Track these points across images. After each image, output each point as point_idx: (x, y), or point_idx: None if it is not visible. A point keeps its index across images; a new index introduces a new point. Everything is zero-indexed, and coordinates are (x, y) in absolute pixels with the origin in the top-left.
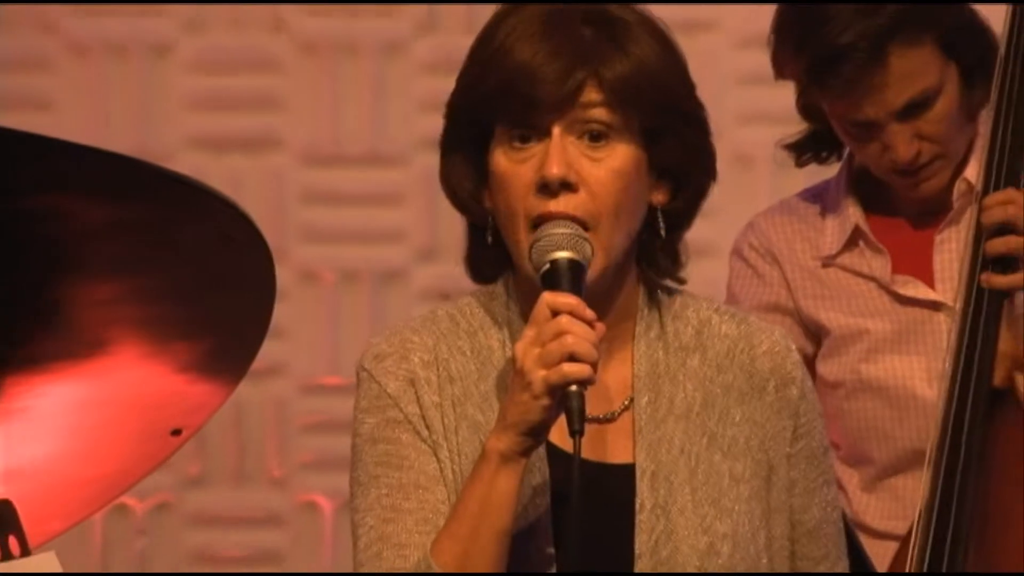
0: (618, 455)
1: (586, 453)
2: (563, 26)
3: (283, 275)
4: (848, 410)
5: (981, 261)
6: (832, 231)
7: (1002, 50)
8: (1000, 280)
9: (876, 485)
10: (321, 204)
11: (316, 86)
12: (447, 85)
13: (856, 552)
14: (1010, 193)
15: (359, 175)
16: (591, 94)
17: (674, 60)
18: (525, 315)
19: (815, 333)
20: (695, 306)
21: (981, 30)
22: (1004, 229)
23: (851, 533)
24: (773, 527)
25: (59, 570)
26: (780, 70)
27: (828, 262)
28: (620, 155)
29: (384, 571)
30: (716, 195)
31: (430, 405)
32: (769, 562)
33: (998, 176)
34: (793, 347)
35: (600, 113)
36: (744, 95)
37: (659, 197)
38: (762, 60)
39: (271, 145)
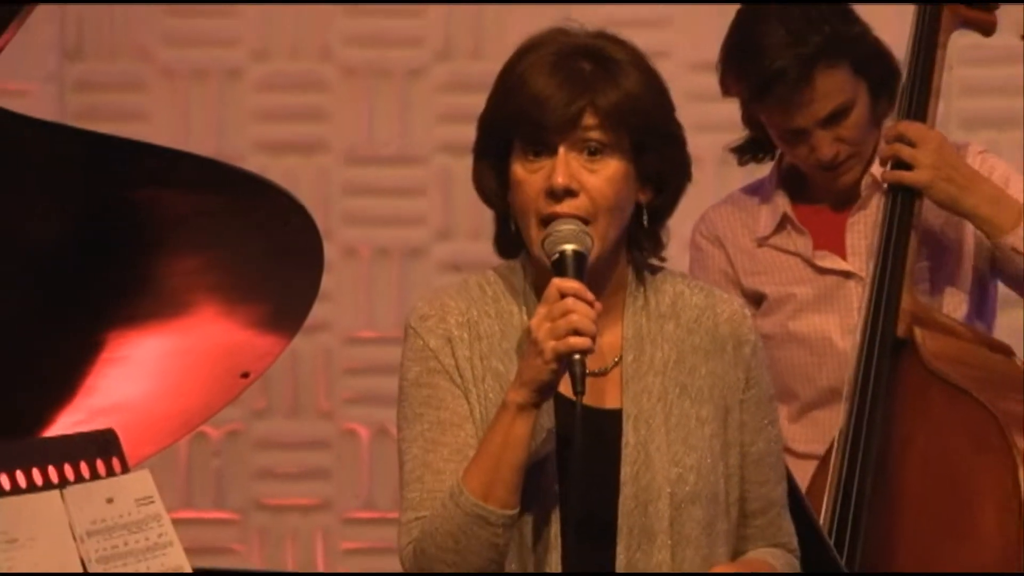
0: (609, 402)
1: (584, 400)
2: (567, 62)
3: (329, 251)
4: (778, 357)
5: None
6: (765, 218)
7: (904, 75)
8: (889, 175)
9: (800, 417)
10: (359, 195)
11: (355, 102)
12: (459, 101)
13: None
14: (907, 123)
15: (389, 172)
16: (589, 119)
17: (657, 89)
18: (537, 286)
19: (753, 298)
20: (672, 281)
21: (886, 55)
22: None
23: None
24: (729, 458)
25: (152, 485)
26: (726, 90)
27: (762, 242)
28: (613, 167)
29: (425, 490)
30: None
31: (462, 358)
32: (725, 486)
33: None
34: (749, 315)
35: (596, 134)
36: (695, 109)
37: (644, 196)
38: (710, 81)
39: (320, 149)
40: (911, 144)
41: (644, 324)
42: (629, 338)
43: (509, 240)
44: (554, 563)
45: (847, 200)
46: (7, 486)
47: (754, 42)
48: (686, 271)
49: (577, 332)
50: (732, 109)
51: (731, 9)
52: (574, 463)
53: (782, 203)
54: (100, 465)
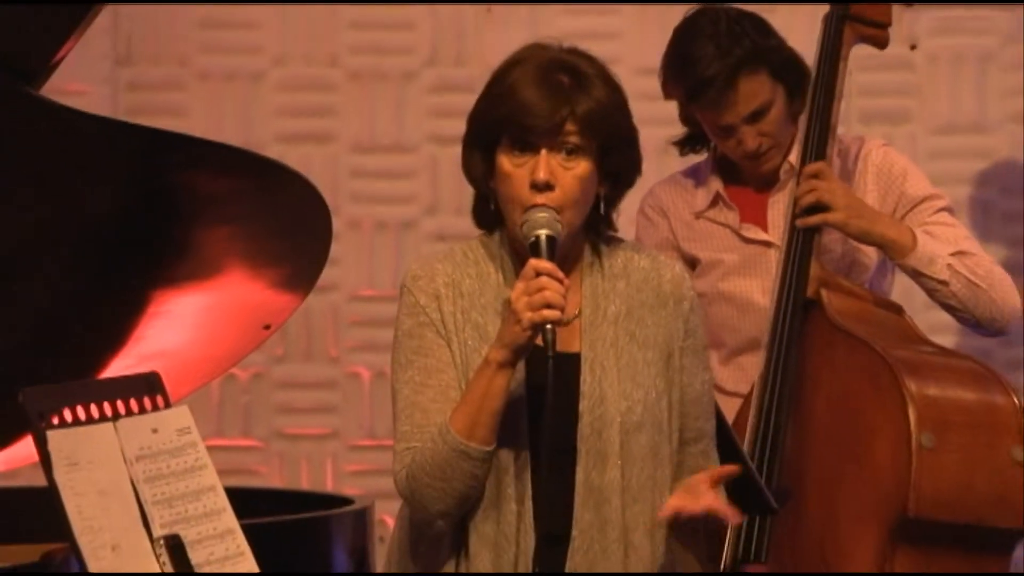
0: (570, 347)
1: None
2: (549, 76)
3: (337, 224)
4: (710, 312)
5: (797, 211)
6: (702, 195)
7: (813, 76)
8: (809, 220)
9: (728, 362)
10: (361, 178)
11: (359, 101)
12: (445, 100)
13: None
14: (816, 165)
15: (387, 159)
16: (568, 126)
17: (620, 98)
18: (512, 254)
19: (689, 261)
20: (622, 248)
21: (798, 63)
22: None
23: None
24: (671, 395)
25: (190, 418)
26: (667, 93)
27: (699, 215)
28: (583, 166)
29: (414, 425)
30: None
31: (447, 312)
32: (668, 417)
33: (808, 158)
34: (688, 276)
35: (574, 138)
36: (639, 107)
37: (603, 189)
38: (653, 84)
39: (329, 140)
40: (824, 189)
41: (599, 284)
42: (587, 296)
43: (487, 214)
44: (526, 481)
45: (768, 183)
46: (70, 419)
47: (688, 55)
48: (633, 238)
49: (549, 305)
50: (671, 108)
51: (671, 24)
52: (547, 404)
53: (716, 184)
54: (147, 402)
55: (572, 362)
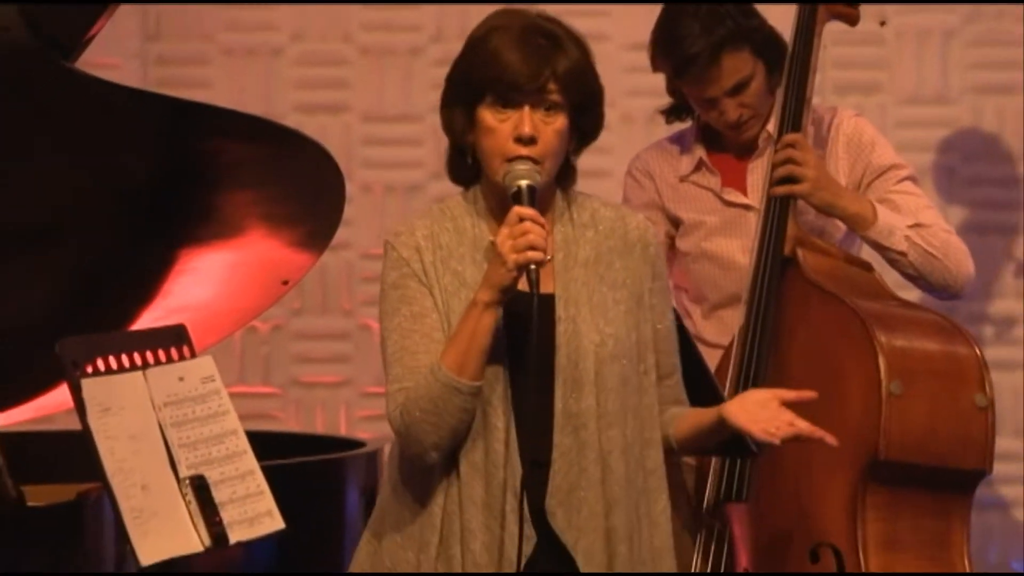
0: (546, 288)
1: (524, 287)
2: (529, 39)
3: (350, 188)
4: (694, 269)
5: (773, 179)
6: (686, 160)
7: (789, 52)
8: (778, 190)
9: (710, 315)
10: (373, 146)
11: (370, 74)
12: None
13: (697, 357)
14: (791, 136)
15: (395, 128)
16: (550, 84)
17: (589, 60)
18: (488, 209)
19: (675, 222)
20: (589, 201)
21: (777, 40)
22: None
23: (694, 344)
24: (642, 331)
25: (213, 367)
26: (655, 67)
27: (683, 179)
28: (561, 121)
29: (404, 367)
30: (611, 141)
31: (428, 262)
32: (638, 351)
33: (785, 127)
34: (651, 226)
35: (554, 96)
36: (630, 79)
37: (571, 144)
38: (642, 58)
39: (343, 110)
40: (798, 162)
41: (570, 231)
42: (559, 242)
43: (463, 168)
44: (509, 412)
45: (748, 150)
46: (103, 368)
47: (675, 34)
48: (622, 200)
49: (532, 247)
50: (658, 80)
51: (658, 2)
52: (531, 339)
53: (699, 151)
54: (174, 352)
55: (547, 301)
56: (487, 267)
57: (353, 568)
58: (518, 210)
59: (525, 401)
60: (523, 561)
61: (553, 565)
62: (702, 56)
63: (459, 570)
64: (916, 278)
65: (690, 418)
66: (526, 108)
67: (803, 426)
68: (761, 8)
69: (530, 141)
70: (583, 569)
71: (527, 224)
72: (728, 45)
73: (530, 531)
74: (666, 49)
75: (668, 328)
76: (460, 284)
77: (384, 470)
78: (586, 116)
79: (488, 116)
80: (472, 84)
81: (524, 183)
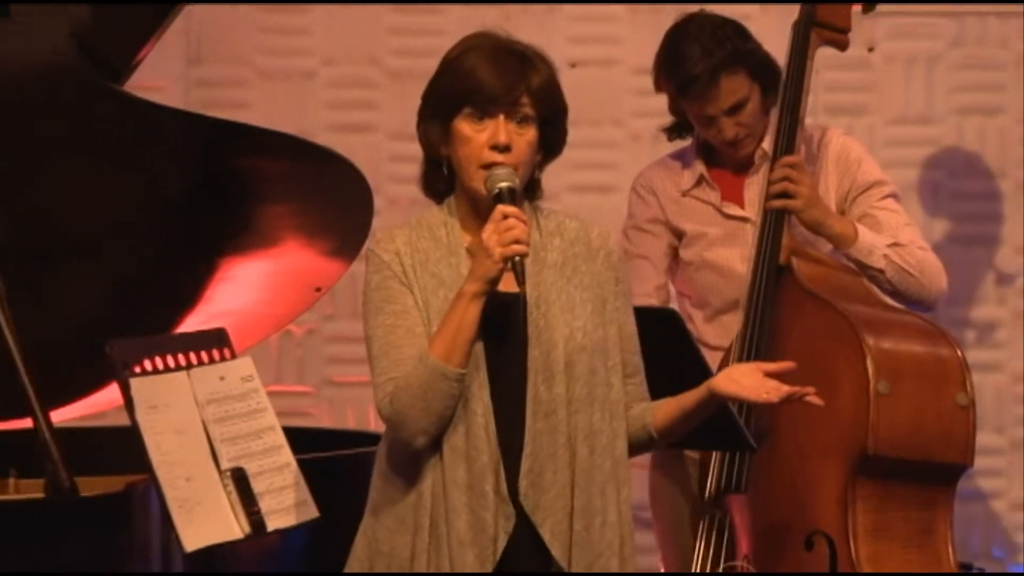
0: (515, 289)
1: (502, 287)
2: (503, 56)
3: (378, 201)
4: (696, 277)
5: (769, 194)
6: (687, 176)
7: (784, 75)
8: (774, 204)
9: (712, 320)
10: (399, 162)
11: (396, 96)
12: None
13: (699, 358)
14: (790, 158)
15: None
16: (523, 98)
17: (555, 77)
18: (462, 217)
19: (677, 234)
20: (554, 213)
21: (772, 64)
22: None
23: (696, 347)
24: (607, 330)
25: (252, 367)
26: (658, 87)
27: (685, 194)
28: (531, 133)
29: (391, 360)
30: (619, 158)
31: (407, 265)
32: (604, 347)
33: (780, 148)
34: (611, 235)
35: (526, 109)
36: (637, 101)
37: (538, 157)
38: (647, 82)
39: (371, 129)
40: (794, 181)
41: (538, 239)
42: (529, 248)
43: (438, 181)
44: (487, 399)
45: (745, 167)
46: (149, 368)
47: (678, 55)
48: (627, 214)
49: (517, 241)
50: (661, 102)
51: (662, 30)
52: (520, 322)
53: (699, 167)
54: (215, 353)
55: (519, 299)
56: (473, 261)
57: (353, 556)
58: (502, 208)
59: (502, 387)
60: (505, 538)
61: (530, 543)
62: (703, 76)
63: (446, 548)
64: (892, 293)
65: (671, 403)
66: (501, 118)
67: (788, 389)
68: (757, 34)
69: (505, 149)
70: (551, 547)
71: (511, 220)
72: (726, 67)
73: (510, 510)
74: (670, 70)
75: (631, 329)
76: (438, 284)
77: (375, 461)
78: (553, 130)
79: (465, 127)
80: (450, 98)
81: (505, 185)
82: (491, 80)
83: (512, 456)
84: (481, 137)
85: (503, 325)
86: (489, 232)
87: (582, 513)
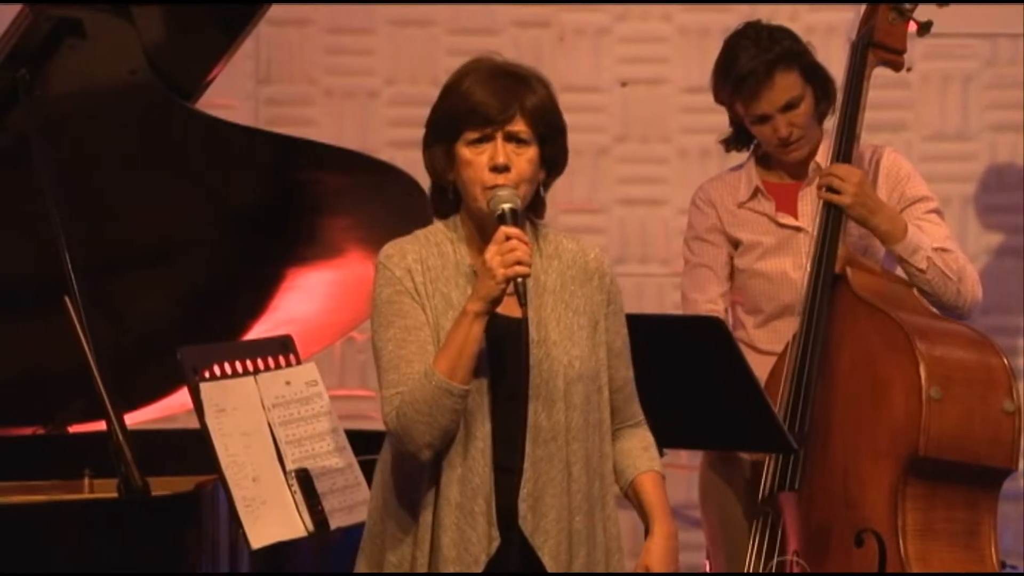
0: (516, 313)
1: (502, 311)
2: (498, 78)
3: None
4: (750, 284)
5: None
6: (744, 188)
7: (843, 93)
8: (824, 195)
9: (763, 325)
10: None
11: None
12: None
13: (742, 363)
14: (837, 165)
15: None
16: (518, 118)
17: (553, 97)
18: (466, 237)
19: (733, 242)
20: (553, 233)
21: (824, 72)
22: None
23: (740, 352)
24: (599, 353)
25: (316, 373)
26: (717, 96)
27: (741, 205)
28: (531, 152)
29: (400, 374)
30: (669, 173)
31: (418, 283)
32: (597, 372)
33: (836, 160)
34: (605, 257)
35: (522, 130)
36: (685, 118)
37: (541, 175)
38: (696, 100)
39: None
40: (840, 178)
41: (538, 261)
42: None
43: (444, 203)
44: (487, 423)
45: (799, 179)
46: (218, 373)
47: (734, 55)
48: (686, 225)
49: (519, 262)
50: (710, 119)
51: (710, 50)
52: (524, 344)
53: (755, 179)
54: (281, 359)
55: (520, 324)
56: (476, 281)
57: (360, 559)
58: (505, 230)
59: (503, 413)
60: (485, 559)
61: (515, 565)
62: (758, 71)
63: (433, 563)
64: (929, 295)
65: (642, 493)
66: (498, 139)
67: None
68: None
69: (504, 169)
70: (549, 569)
71: (514, 242)
72: (781, 63)
73: (495, 532)
74: (726, 69)
75: (620, 346)
76: (448, 305)
77: (376, 473)
78: (552, 148)
79: (466, 151)
80: (449, 122)
81: (507, 206)
82: (486, 100)
83: (507, 479)
84: (481, 159)
85: (505, 351)
86: (492, 253)
87: (580, 537)
